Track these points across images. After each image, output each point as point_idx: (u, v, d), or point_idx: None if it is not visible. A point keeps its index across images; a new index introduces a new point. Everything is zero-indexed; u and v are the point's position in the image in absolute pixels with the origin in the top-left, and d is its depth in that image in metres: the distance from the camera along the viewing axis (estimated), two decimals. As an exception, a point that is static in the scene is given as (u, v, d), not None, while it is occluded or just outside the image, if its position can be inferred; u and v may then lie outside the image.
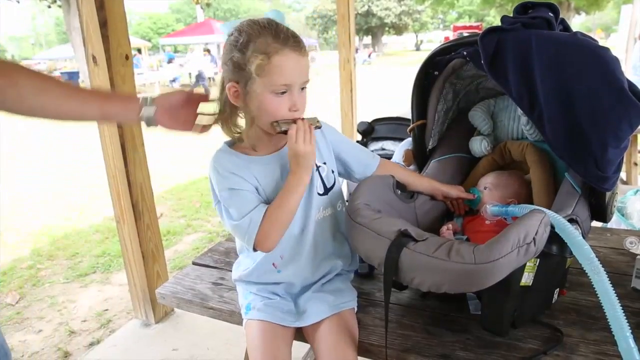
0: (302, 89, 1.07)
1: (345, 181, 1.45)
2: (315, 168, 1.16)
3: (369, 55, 31.52)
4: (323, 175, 1.18)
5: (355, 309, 1.20)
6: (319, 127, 1.13)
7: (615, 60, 1.03)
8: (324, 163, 1.19)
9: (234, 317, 1.26)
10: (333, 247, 1.22)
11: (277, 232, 1.08)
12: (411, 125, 1.50)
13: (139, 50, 20.67)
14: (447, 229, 1.27)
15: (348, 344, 1.07)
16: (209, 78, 15.95)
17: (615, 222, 2.11)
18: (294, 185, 1.06)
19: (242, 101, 1.07)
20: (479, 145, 1.46)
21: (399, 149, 1.71)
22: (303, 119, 1.06)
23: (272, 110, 1.04)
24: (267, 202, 1.10)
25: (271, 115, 1.05)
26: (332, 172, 1.21)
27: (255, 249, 1.09)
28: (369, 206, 1.12)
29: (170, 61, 20.23)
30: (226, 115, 1.12)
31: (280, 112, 1.04)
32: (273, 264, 1.18)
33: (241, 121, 1.15)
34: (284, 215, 1.07)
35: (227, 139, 1.17)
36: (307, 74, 1.07)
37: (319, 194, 1.17)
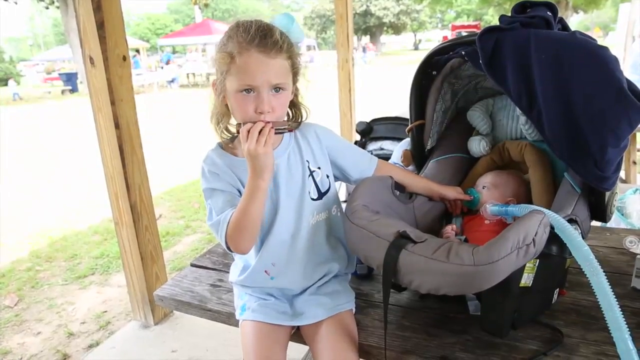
0: (278, 91, 1.04)
1: (343, 182, 1.44)
2: (308, 173, 1.16)
3: (364, 50, 30.28)
4: (317, 180, 1.17)
5: (353, 310, 1.19)
6: (290, 131, 1.09)
7: (615, 60, 1.02)
8: (319, 168, 1.18)
9: (232, 319, 1.25)
10: (328, 251, 1.20)
11: (243, 238, 1.05)
12: (410, 125, 1.49)
13: (137, 51, 20.65)
14: (451, 229, 1.27)
15: (348, 345, 1.07)
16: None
17: (614, 221, 2.10)
18: (250, 191, 1.02)
19: (221, 98, 1.08)
20: (477, 145, 1.46)
21: (398, 148, 1.71)
22: (268, 122, 1.02)
23: (239, 109, 1.05)
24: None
25: (240, 115, 1.05)
26: (327, 176, 1.19)
27: (230, 250, 1.08)
28: (368, 207, 1.11)
29: (168, 62, 20.20)
30: (217, 115, 1.12)
31: (247, 114, 1.03)
32: (265, 272, 1.16)
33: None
34: (246, 221, 1.03)
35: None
36: (278, 76, 1.03)
37: (312, 199, 1.16)
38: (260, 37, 1.01)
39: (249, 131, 0.99)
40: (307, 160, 1.16)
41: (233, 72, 1.02)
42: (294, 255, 1.15)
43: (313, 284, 1.20)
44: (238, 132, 1.03)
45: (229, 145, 1.16)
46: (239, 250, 1.08)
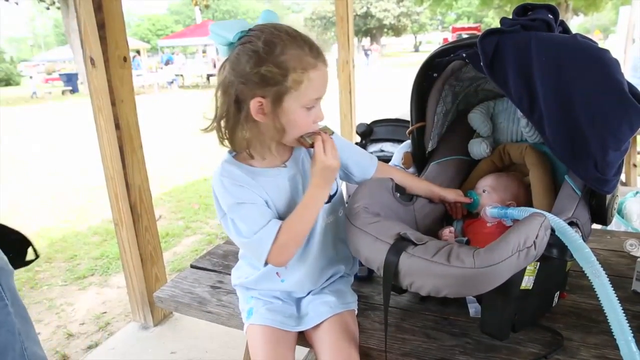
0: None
1: (344, 183, 1.44)
2: None
3: (366, 53, 29.85)
4: None
5: (356, 311, 1.19)
6: (331, 134, 1.11)
7: (615, 62, 1.02)
8: None
9: (233, 320, 1.25)
10: (335, 253, 1.20)
11: (294, 248, 1.05)
12: (410, 128, 1.49)
13: (138, 52, 20.67)
14: (449, 232, 1.26)
15: (349, 343, 1.07)
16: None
17: (615, 224, 2.10)
18: (316, 199, 1.04)
19: (268, 117, 0.99)
20: (478, 148, 1.45)
21: (398, 151, 1.70)
22: (324, 131, 1.04)
23: (302, 125, 1.02)
24: (278, 215, 1.07)
25: (301, 130, 1.02)
26: (335, 179, 1.18)
27: (266, 264, 1.05)
28: (368, 209, 1.11)
29: (167, 63, 20.19)
30: (232, 129, 1.03)
31: (308, 126, 1.03)
32: (277, 273, 1.16)
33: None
34: (303, 230, 1.04)
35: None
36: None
37: (324, 202, 1.15)
38: (318, 48, 0.99)
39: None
40: None
41: (301, 88, 0.97)
42: (306, 257, 1.15)
43: (318, 286, 1.19)
44: (311, 145, 1.02)
45: (240, 154, 1.10)
46: (282, 262, 1.06)
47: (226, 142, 1.07)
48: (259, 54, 0.94)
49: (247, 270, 1.21)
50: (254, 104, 0.97)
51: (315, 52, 0.98)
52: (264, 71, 0.94)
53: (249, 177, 1.06)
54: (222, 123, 1.04)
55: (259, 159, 1.09)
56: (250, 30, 0.99)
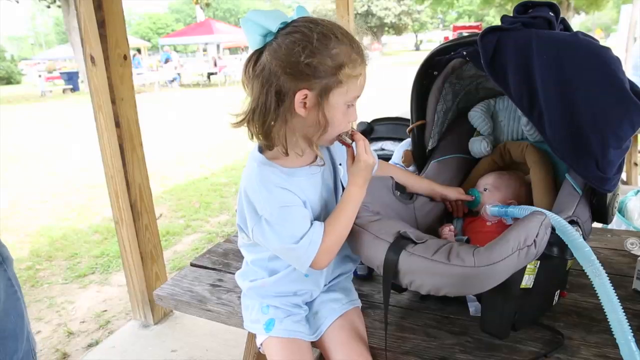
0: None
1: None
2: (335, 172, 1.14)
3: None
4: (340, 177, 1.14)
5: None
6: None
7: (617, 60, 1.02)
8: (340, 164, 1.15)
9: (232, 319, 1.25)
10: (347, 250, 1.16)
11: (337, 250, 1.03)
12: (411, 126, 1.49)
13: (139, 50, 20.67)
14: (449, 230, 1.26)
15: (360, 341, 1.07)
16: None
17: (615, 223, 2.10)
18: (358, 198, 1.03)
19: (310, 112, 0.94)
20: (478, 146, 1.45)
21: (399, 149, 1.70)
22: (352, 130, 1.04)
23: (341, 123, 0.99)
24: (312, 216, 1.04)
25: (338, 128, 0.99)
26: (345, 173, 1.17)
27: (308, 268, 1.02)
28: (368, 208, 1.11)
29: (167, 61, 20.17)
30: (270, 124, 0.96)
31: (345, 125, 1.00)
32: None
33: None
34: (346, 230, 1.03)
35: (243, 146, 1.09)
36: None
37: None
38: (362, 47, 0.97)
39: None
40: (334, 159, 1.15)
41: (350, 83, 0.94)
42: None
43: (329, 283, 1.18)
44: (348, 143, 1.02)
45: (271, 153, 1.03)
46: (323, 266, 1.03)
47: (256, 138, 1.00)
48: (314, 44, 0.90)
49: (262, 273, 1.15)
50: (299, 96, 0.92)
51: (360, 50, 0.97)
52: (316, 63, 0.90)
53: (288, 178, 1.01)
54: (256, 117, 0.96)
55: (294, 157, 1.02)
56: (293, 21, 0.94)
